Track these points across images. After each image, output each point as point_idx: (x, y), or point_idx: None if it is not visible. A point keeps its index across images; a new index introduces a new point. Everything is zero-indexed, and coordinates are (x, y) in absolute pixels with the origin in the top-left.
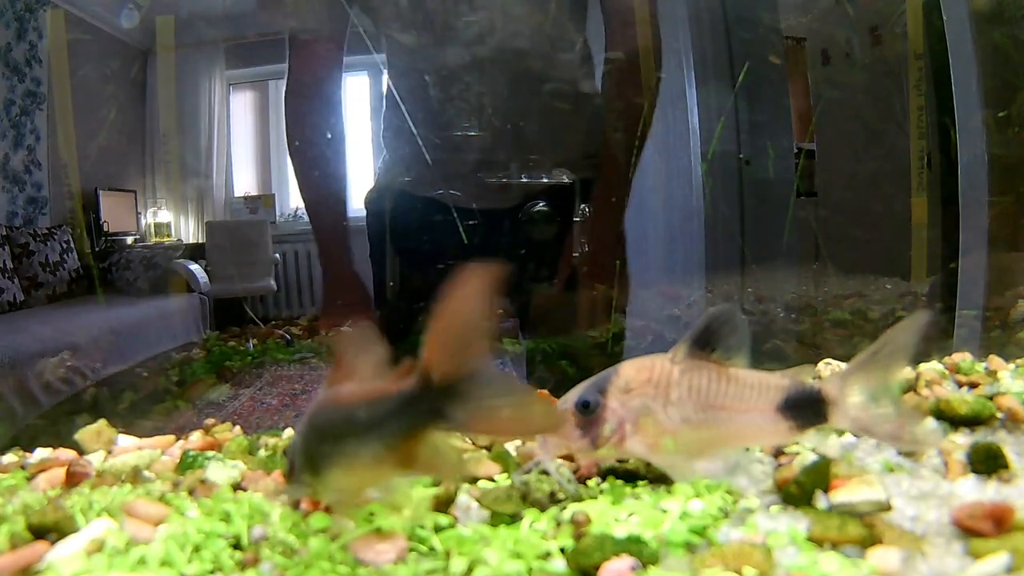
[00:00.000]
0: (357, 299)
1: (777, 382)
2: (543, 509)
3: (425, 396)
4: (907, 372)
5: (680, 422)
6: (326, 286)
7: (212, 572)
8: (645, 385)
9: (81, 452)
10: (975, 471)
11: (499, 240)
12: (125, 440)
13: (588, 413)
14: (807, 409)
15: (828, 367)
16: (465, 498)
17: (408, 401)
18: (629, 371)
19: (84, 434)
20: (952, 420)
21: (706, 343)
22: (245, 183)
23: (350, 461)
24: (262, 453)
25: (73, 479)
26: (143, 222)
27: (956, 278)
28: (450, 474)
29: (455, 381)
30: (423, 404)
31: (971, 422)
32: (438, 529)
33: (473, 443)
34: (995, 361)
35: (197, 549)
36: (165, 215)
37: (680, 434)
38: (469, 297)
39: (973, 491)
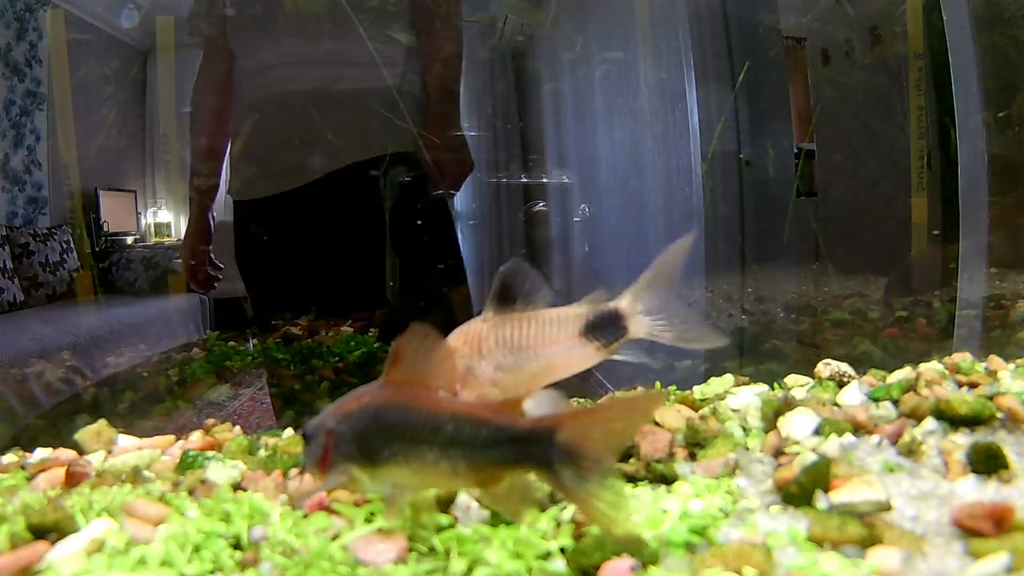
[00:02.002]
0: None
1: (576, 311)
2: (543, 509)
3: (546, 443)
4: (907, 372)
5: (495, 370)
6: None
7: (212, 572)
8: (463, 348)
9: (81, 452)
10: (975, 471)
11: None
12: (125, 440)
13: None
14: (607, 327)
15: (827, 367)
16: (465, 498)
17: (525, 438)
18: (452, 341)
19: (84, 434)
20: (952, 420)
21: (507, 298)
22: None
23: (425, 467)
24: (262, 453)
25: (73, 479)
26: (143, 222)
27: (911, 272)
28: (512, 511)
29: (586, 454)
30: (538, 449)
31: (971, 422)
32: (438, 529)
33: None
34: (995, 361)
35: (197, 549)
36: (165, 215)
37: (500, 380)
38: (641, 413)
39: (973, 491)
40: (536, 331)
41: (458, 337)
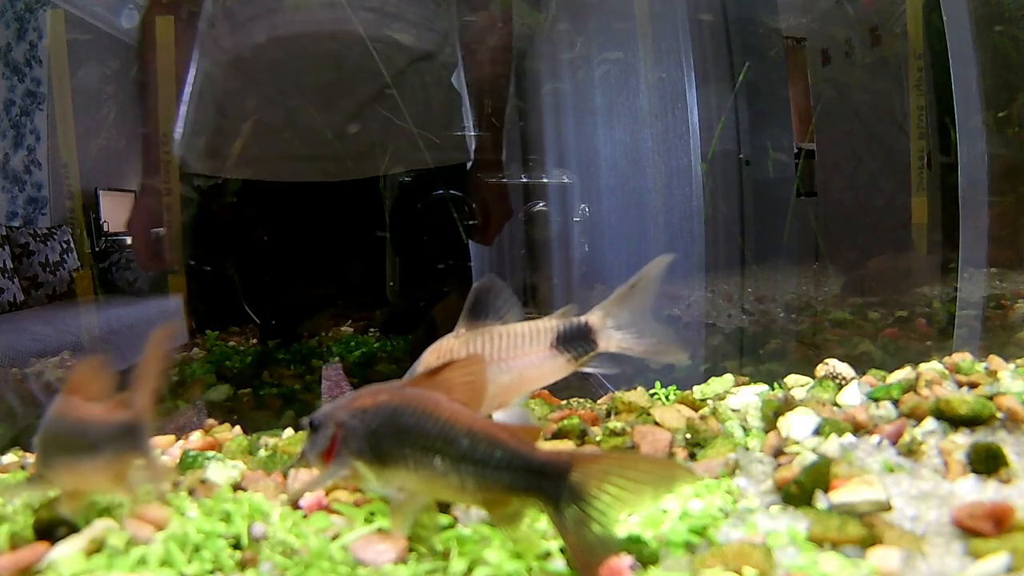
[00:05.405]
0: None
1: (547, 324)
2: (543, 509)
3: (558, 479)
4: (907, 372)
5: None
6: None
7: (212, 572)
8: (436, 363)
9: None
10: (975, 471)
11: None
12: None
13: None
14: (578, 340)
15: (826, 367)
16: None
17: (539, 469)
18: (426, 357)
19: None
20: (952, 420)
21: (479, 313)
22: None
23: (434, 476)
24: (262, 453)
25: None
26: None
27: (864, 276)
28: (503, 518)
29: (593, 503)
30: (549, 482)
31: (971, 422)
32: (438, 529)
33: None
34: (995, 361)
35: (197, 549)
36: None
37: None
38: (664, 481)
39: (973, 491)
40: (507, 344)
41: (431, 353)
